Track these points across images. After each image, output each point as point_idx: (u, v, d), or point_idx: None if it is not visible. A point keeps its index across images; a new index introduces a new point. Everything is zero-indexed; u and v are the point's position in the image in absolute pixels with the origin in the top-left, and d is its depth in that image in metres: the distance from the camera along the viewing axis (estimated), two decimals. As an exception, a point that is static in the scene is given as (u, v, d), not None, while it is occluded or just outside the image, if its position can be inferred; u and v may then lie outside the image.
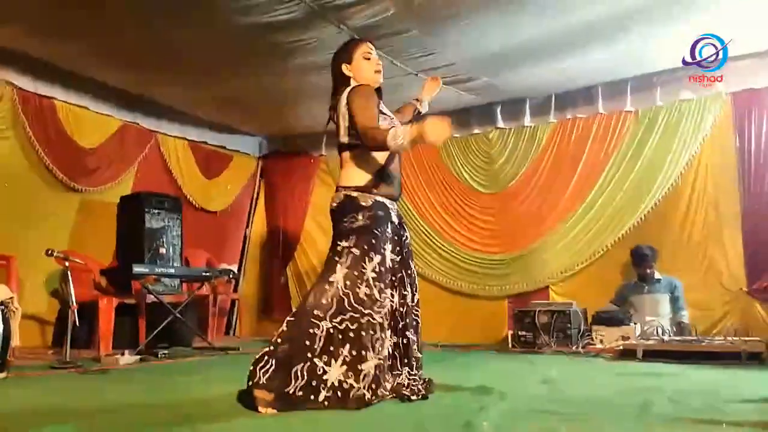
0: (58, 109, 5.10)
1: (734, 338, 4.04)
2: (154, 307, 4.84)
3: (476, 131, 6.01)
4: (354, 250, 2.52)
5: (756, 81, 4.84)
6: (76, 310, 3.91)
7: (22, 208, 4.87)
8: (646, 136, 5.22)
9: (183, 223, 5.35)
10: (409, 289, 2.71)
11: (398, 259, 2.69)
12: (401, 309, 2.67)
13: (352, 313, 2.43)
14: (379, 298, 2.49)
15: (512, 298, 5.65)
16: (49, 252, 3.97)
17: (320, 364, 2.35)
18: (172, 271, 4.95)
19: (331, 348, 2.37)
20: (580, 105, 5.53)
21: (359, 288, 2.46)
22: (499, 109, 5.86)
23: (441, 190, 6.15)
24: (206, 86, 5.38)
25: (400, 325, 2.66)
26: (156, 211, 5.11)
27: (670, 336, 4.35)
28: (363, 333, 2.42)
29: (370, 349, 2.42)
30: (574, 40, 4.39)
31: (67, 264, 4.01)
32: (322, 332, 2.38)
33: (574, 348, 4.61)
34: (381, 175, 2.64)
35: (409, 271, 2.74)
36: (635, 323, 4.64)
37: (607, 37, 4.36)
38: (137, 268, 4.50)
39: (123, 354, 4.10)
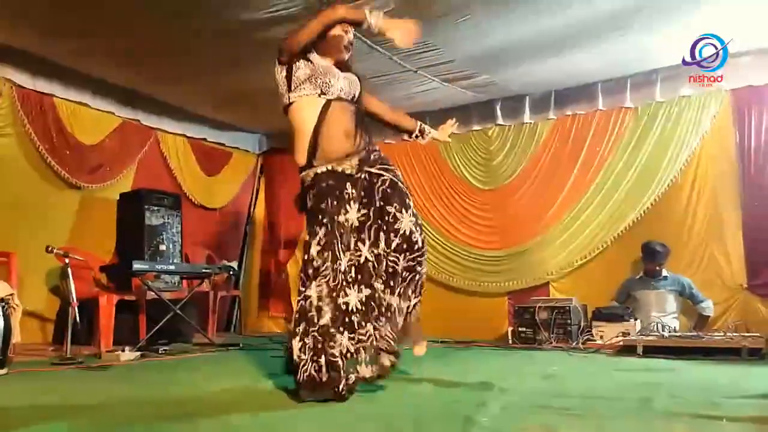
0: (57, 106, 5.09)
1: (734, 334, 4.04)
2: (154, 304, 4.84)
3: (476, 128, 6.01)
4: (307, 236, 2.56)
5: (756, 78, 4.82)
6: (76, 307, 3.92)
7: (23, 205, 4.87)
8: (646, 132, 5.21)
9: (183, 219, 5.35)
10: (384, 236, 2.56)
11: (367, 212, 2.57)
12: (374, 260, 2.54)
13: (301, 294, 2.52)
14: (322, 266, 2.48)
15: (512, 295, 5.65)
16: (49, 249, 3.98)
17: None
18: (172, 267, 4.95)
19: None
20: (580, 101, 5.52)
21: (306, 269, 2.52)
22: (498, 106, 5.85)
23: (439, 186, 6.15)
24: (206, 83, 5.36)
25: (368, 278, 2.52)
26: (156, 207, 5.11)
27: (671, 333, 4.36)
28: (305, 311, 2.47)
29: (310, 323, 2.45)
30: (574, 36, 4.38)
31: (67, 261, 4.00)
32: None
33: (574, 344, 4.61)
34: (316, 141, 2.58)
35: (387, 218, 2.57)
36: (638, 319, 4.64)
37: (606, 33, 4.35)
38: (137, 265, 4.49)
39: (123, 350, 4.10)
